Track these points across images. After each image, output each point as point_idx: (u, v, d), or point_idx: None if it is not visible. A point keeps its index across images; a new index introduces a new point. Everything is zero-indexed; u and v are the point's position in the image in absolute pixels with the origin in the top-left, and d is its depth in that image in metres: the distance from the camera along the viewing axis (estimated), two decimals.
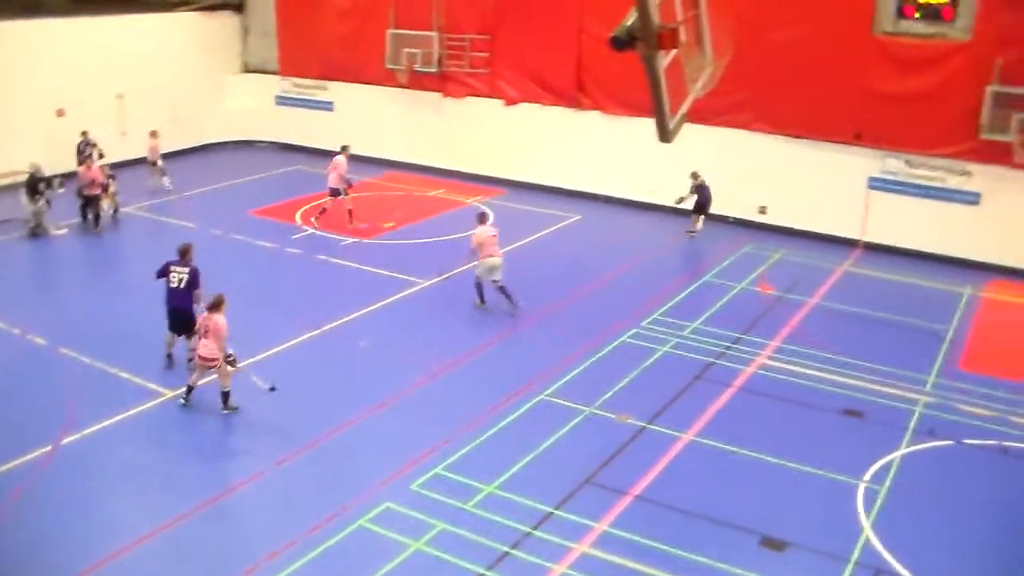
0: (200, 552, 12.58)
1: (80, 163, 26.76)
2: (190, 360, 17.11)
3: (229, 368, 15.89)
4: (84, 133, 28.19)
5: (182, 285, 17.00)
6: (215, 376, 16.02)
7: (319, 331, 19.27)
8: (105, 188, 26.11)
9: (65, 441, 15.16)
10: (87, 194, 25.81)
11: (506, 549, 12.41)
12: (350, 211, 25.99)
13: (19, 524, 13.13)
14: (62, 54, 31.00)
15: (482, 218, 21.28)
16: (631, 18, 10.29)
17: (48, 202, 25.24)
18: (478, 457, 14.61)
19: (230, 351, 15.91)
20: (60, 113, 31.01)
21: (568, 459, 14.59)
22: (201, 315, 16.06)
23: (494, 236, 20.64)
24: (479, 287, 20.77)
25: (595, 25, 27.83)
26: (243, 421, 16.02)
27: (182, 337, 17.48)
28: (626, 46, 10.31)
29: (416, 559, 12.29)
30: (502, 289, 20.48)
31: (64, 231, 25.41)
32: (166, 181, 29.53)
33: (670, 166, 26.12)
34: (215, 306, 15.72)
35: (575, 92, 29.30)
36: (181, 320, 17.22)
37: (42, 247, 24.78)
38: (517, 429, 15.51)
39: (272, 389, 15.94)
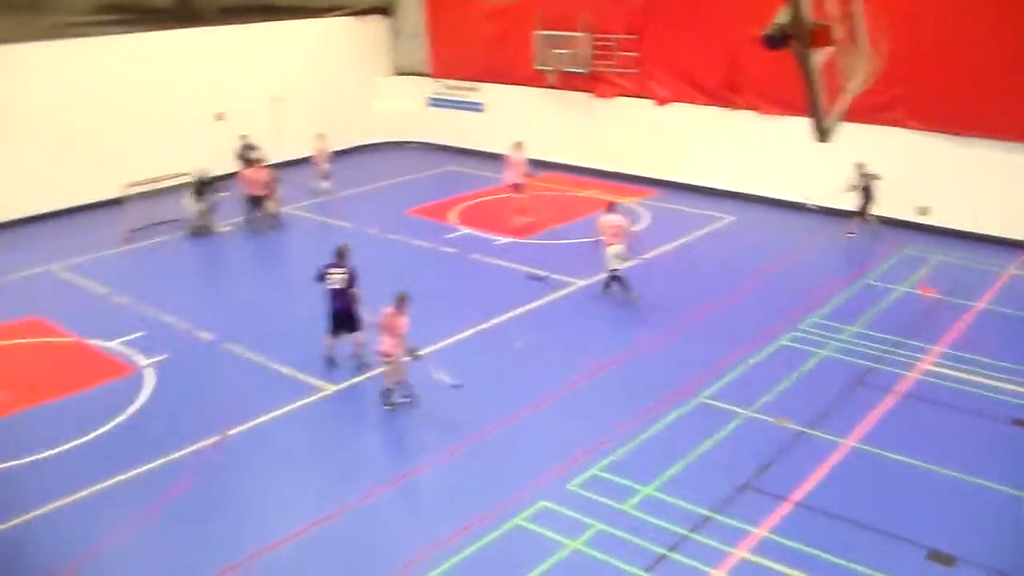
0: (358, 545, 12.90)
1: (246, 166, 27.77)
2: (357, 356, 17.73)
3: (404, 360, 16.27)
4: (243, 136, 29.16)
5: (340, 285, 17.41)
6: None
7: (474, 330, 19.51)
8: (271, 190, 26.95)
9: (231, 432, 15.76)
10: (252, 195, 26.72)
11: (663, 551, 12.37)
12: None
13: (184, 512, 13.70)
14: (219, 61, 32.28)
15: (610, 207, 21.32)
16: (784, 16, 10.16)
17: (213, 204, 26.23)
18: (635, 458, 14.59)
19: (416, 347, 16.25)
20: (219, 117, 32.14)
21: (726, 462, 14.45)
22: (383, 311, 16.18)
23: (618, 225, 20.82)
24: (611, 279, 21.19)
25: (747, 23, 27.40)
26: (400, 417, 16.36)
27: (340, 337, 17.88)
28: (779, 44, 10.19)
29: (572, 559, 12.34)
30: (619, 278, 20.90)
31: (229, 228, 26.34)
32: (325, 185, 30.23)
33: (826, 165, 25.58)
34: (399, 303, 15.99)
35: (727, 91, 28.91)
36: (344, 320, 17.64)
37: (207, 246, 25.79)
38: (674, 431, 15.42)
39: (457, 386, 16.09)
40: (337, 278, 17.46)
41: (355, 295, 17.53)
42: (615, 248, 20.76)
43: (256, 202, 26.91)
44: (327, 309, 17.71)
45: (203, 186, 26.44)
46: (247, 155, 28.53)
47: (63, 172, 28.46)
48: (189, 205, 26.51)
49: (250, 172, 26.94)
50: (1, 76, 27.43)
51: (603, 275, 21.34)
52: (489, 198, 29.72)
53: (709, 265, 23.59)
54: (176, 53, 31.32)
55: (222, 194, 26.81)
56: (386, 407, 16.38)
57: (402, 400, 16.43)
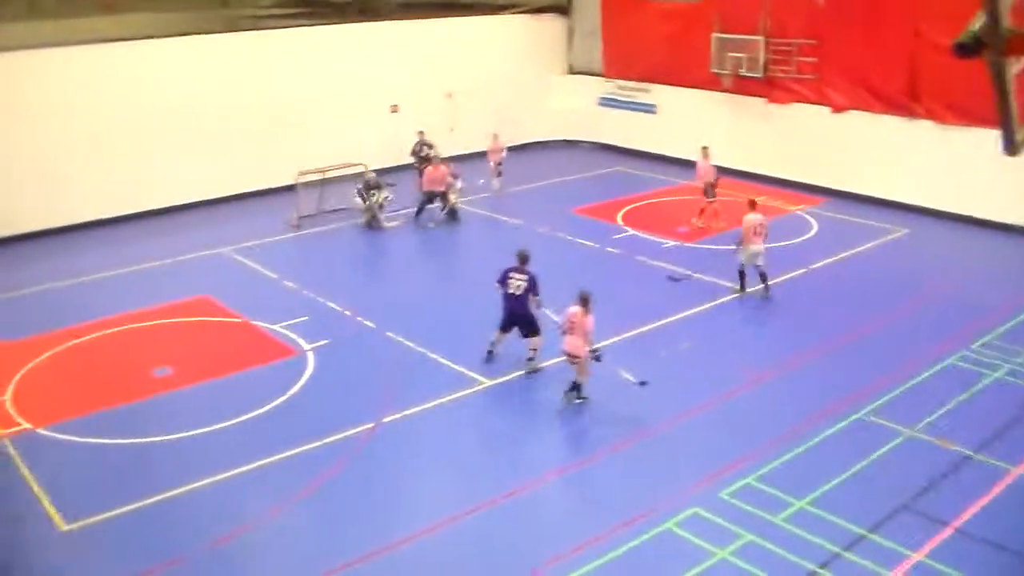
0: (504, 539, 13.03)
1: (419, 163, 28.51)
2: (531, 360, 17.77)
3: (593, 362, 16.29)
4: (420, 133, 29.67)
5: (520, 291, 17.47)
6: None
7: (637, 332, 19.46)
8: (450, 185, 27.41)
9: (386, 420, 16.10)
10: (430, 191, 27.22)
11: (814, 568, 12.09)
12: (702, 209, 26.54)
13: (335, 495, 14.06)
14: (396, 55, 32.92)
15: (752, 205, 21.45)
16: (978, 22, 9.75)
17: (380, 204, 26.84)
18: (791, 471, 14.31)
19: (597, 346, 16.30)
20: (394, 109, 32.89)
21: (884, 482, 14.01)
22: (569, 312, 16.22)
23: (761, 224, 20.86)
24: (741, 275, 21.25)
25: (932, 29, 26.50)
26: (554, 417, 16.46)
27: (508, 333, 17.99)
28: (972, 52, 9.78)
29: (720, 568, 12.19)
30: (763, 276, 21.16)
31: (396, 224, 26.88)
32: (495, 183, 30.52)
33: (1012, 180, 24.52)
34: (584, 303, 16.05)
35: (907, 100, 28.02)
36: (520, 323, 17.72)
37: (375, 236, 26.37)
38: (832, 445, 15.05)
39: (643, 383, 16.15)
40: (518, 283, 17.55)
41: (537, 302, 17.60)
42: (757, 247, 20.87)
43: (433, 198, 27.38)
44: (503, 310, 17.83)
45: (369, 188, 27.05)
46: (423, 152, 29.03)
47: (240, 158, 29.64)
48: (357, 206, 27.20)
49: (429, 170, 27.37)
50: (187, 64, 28.66)
51: (750, 276, 21.38)
52: (657, 200, 29.62)
53: (878, 278, 22.88)
54: (353, 46, 32.22)
55: (389, 196, 27.28)
56: (578, 400, 16.44)
57: (579, 400, 16.46)
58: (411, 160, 29.68)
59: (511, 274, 17.65)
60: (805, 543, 12.56)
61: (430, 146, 29.36)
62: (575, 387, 16.46)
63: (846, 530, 12.83)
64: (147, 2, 33.68)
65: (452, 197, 27.47)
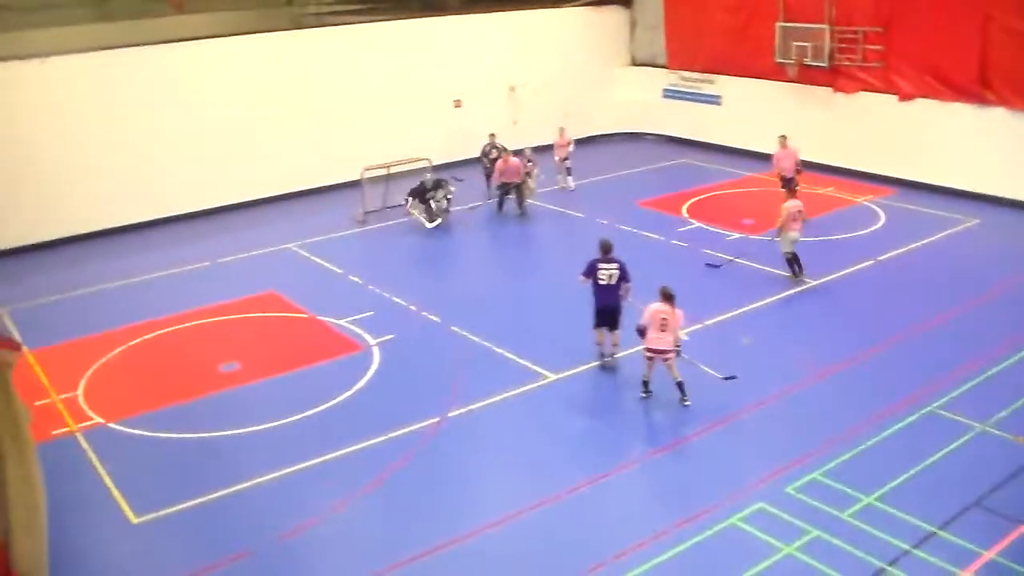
0: (567, 534, 12.97)
1: (488, 165, 28.56)
2: (612, 356, 17.63)
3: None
4: (492, 136, 29.50)
5: (612, 281, 17.18)
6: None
7: (701, 325, 19.33)
8: (528, 174, 27.44)
9: (451, 414, 16.16)
10: (506, 182, 27.24)
11: (883, 565, 11.91)
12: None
13: (401, 489, 14.15)
14: (459, 49, 33.03)
15: (792, 193, 22.07)
16: None
17: (442, 205, 26.75)
18: (858, 465, 14.10)
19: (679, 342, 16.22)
20: (457, 104, 32.96)
21: (956, 478, 13.74)
22: (657, 308, 15.89)
23: (800, 211, 21.07)
24: (790, 262, 21.45)
25: (1005, 14, 26.04)
26: (621, 410, 16.44)
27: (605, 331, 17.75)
28: None
29: (786, 564, 12.06)
30: (795, 257, 21.48)
31: (439, 222, 26.65)
32: (565, 180, 30.24)
33: None
34: (669, 298, 15.90)
35: (978, 87, 27.45)
36: (612, 316, 17.43)
37: (439, 232, 26.37)
38: (902, 440, 14.81)
39: (731, 377, 16.15)
40: (610, 273, 17.25)
41: (627, 289, 17.33)
42: (794, 234, 21.22)
43: (508, 189, 27.40)
44: (594, 304, 17.57)
45: (426, 192, 26.74)
46: (492, 155, 28.77)
47: (306, 154, 29.94)
48: (412, 210, 26.95)
49: (500, 164, 27.37)
50: (253, 62, 28.98)
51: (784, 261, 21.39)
52: (722, 192, 29.39)
53: (949, 269, 22.48)
54: (417, 41, 32.37)
55: (448, 194, 27.03)
56: (685, 402, 16.18)
57: (684, 403, 16.21)
58: (479, 159, 29.61)
59: (599, 265, 17.30)
60: (873, 539, 12.38)
61: (501, 148, 28.89)
62: (681, 387, 16.20)
63: (915, 527, 12.61)
64: (214, 1, 34.12)
65: (531, 184, 27.68)
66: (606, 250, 17.41)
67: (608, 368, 17.61)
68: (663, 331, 15.81)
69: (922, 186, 28.60)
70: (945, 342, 18.41)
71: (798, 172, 26.07)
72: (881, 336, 18.78)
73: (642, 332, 16.09)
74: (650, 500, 13.86)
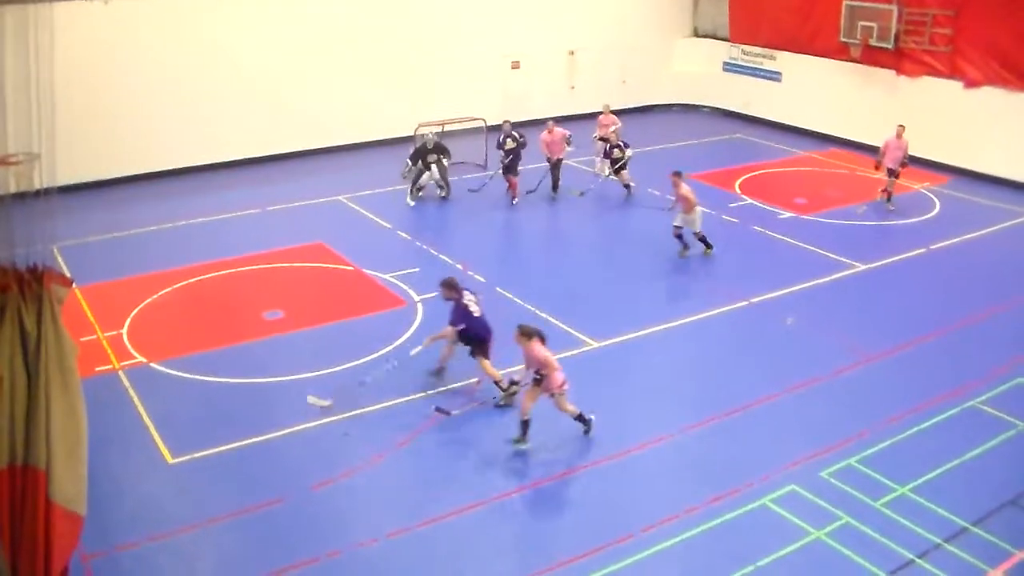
0: (600, 503, 13.02)
1: (504, 158, 25.41)
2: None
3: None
4: (506, 122, 26.15)
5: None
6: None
7: (747, 302, 19.21)
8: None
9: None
10: (550, 157, 25.85)
11: (912, 557, 11.83)
12: (888, 192, 25.30)
13: (432, 447, 14.28)
14: (520, 10, 32.79)
15: (678, 175, 21.62)
16: None
17: (428, 169, 25.53)
18: (895, 455, 13.99)
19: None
20: (515, 65, 32.78)
21: (993, 474, 13.60)
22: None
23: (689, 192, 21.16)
24: (679, 237, 21.54)
25: None
26: (653, 385, 16.39)
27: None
28: None
29: (814, 547, 12.02)
30: (703, 239, 21.61)
31: (441, 194, 25.87)
32: (603, 166, 27.20)
33: None
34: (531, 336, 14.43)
35: None
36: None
37: (489, 193, 26.21)
38: (941, 432, 14.66)
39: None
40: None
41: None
42: (694, 214, 21.24)
43: (557, 165, 25.88)
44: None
45: (427, 153, 25.47)
46: (507, 145, 25.34)
47: (361, 107, 29.93)
48: (405, 175, 26.07)
49: (545, 136, 25.78)
50: (312, 12, 29.01)
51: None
52: (777, 170, 29.11)
53: (1002, 262, 22.14)
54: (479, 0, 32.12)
55: (447, 160, 25.90)
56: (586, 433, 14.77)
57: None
58: (499, 148, 25.76)
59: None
60: (904, 530, 12.30)
61: (515, 138, 25.29)
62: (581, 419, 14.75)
63: (948, 521, 12.50)
64: None
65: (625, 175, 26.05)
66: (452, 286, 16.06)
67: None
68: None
69: (980, 176, 28.11)
70: (993, 337, 18.16)
71: (903, 166, 25.10)
72: (929, 326, 18.57)
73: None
74: (683, 475, 13.79)
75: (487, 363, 15.71)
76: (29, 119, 8.26)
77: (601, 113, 27.90)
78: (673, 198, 21.72)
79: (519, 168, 25.26)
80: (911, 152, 25.18)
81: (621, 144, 25.90)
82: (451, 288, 15.86)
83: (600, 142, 27.25)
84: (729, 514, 12.60)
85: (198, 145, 27.45)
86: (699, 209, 21.26)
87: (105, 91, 25.35)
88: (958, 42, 28.91)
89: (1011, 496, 13.08)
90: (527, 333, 14.34)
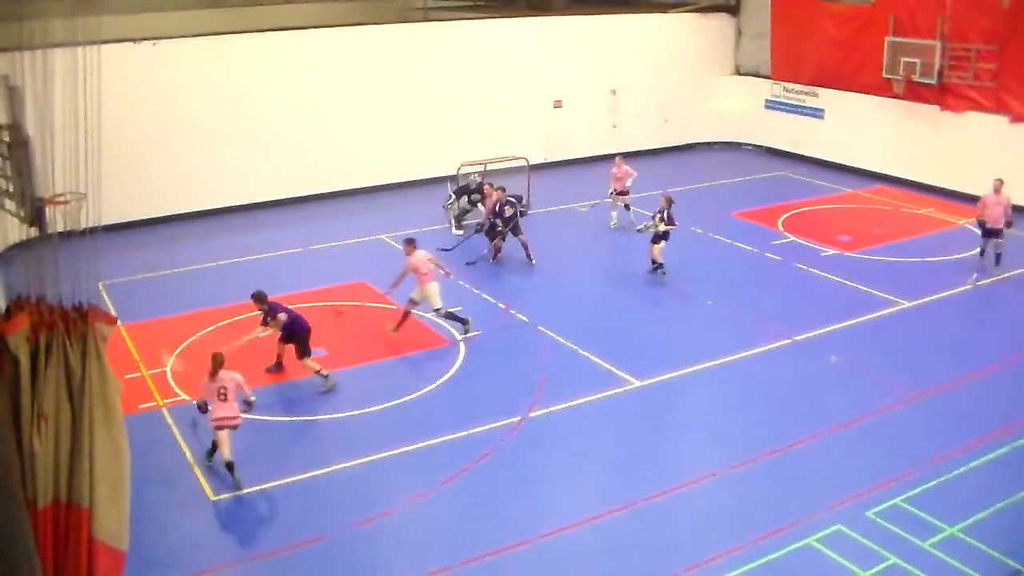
0: (642, 543, 12.91)
1: (502, 226, 23.95)
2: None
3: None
4: (501, 191, 24.11)
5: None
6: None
7: (790, 340, 19.07)
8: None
9: (532, 414, 16.16)
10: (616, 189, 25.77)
11: None
12: (997, 254, 23.10)
13: (475, 487, 14.19)
14: (561, 50, 32.98)
15: (411, 243, 19.45)
16: None
17: (473, 207, 26.22)
18: (944, 495, 13.77)
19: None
20: (557, 105, 32.91)
21: None
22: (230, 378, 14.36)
23: (432, 260, 19.45)
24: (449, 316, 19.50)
25: None
26: (696, 424, 16.37)
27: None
28: None
29: None
30: (452, 315, 19.49)
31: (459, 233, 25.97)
32: (624, 212, 26.40)
33: None
34: (220, 365, 14.24)
35: None
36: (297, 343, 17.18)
37: (533, 232, 26.22)
38: (991, 472, 14.41)
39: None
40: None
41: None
42: (432, 286, 19.12)
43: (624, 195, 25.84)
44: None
45: (470, 192, 26.33)
46: (505, 213, 23.74)
47: (404, 147, 30.09)
48: (449, 207, 26.56)
49: (614, 171, 25.79)
50: (358, 53, 29.28)
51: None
52: (820, 208, 28.94)
53: None
54: (520, 40, 32.38)
55: (478, 202, 26.14)
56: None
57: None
58: (491, 218, 24.20)
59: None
60: (954, 572, 12.09)
61: (513, 204, 23.95)
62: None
63: (999, 562, 12.29)
64: None
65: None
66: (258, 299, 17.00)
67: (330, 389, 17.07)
68: (224, 400, 14.24)
69: None
70: None
71: (1008, 224, 22.76)
72: (975, 364, 18.33)
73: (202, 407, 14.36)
74: (727, 514, 13.65)
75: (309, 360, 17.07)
76: (76, 159, 8.37)
77: (614, 165, 26.36)
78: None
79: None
80: (957, 188, 24.62)
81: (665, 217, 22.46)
82: (260, 300, 16.81)
83: (619, 196, 26.11)
84: (774, 553, 12.45)
85: (242, 185, 27.73)
86: (434, 285, 19.15)
87: (151, 132, 25.69)
88: (1002, 76, 28.70)
89: None
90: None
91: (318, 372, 17.09)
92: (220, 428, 14.13)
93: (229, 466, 14.04)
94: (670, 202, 22.19)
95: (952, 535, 12.83)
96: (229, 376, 14.21)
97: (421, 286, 19.12)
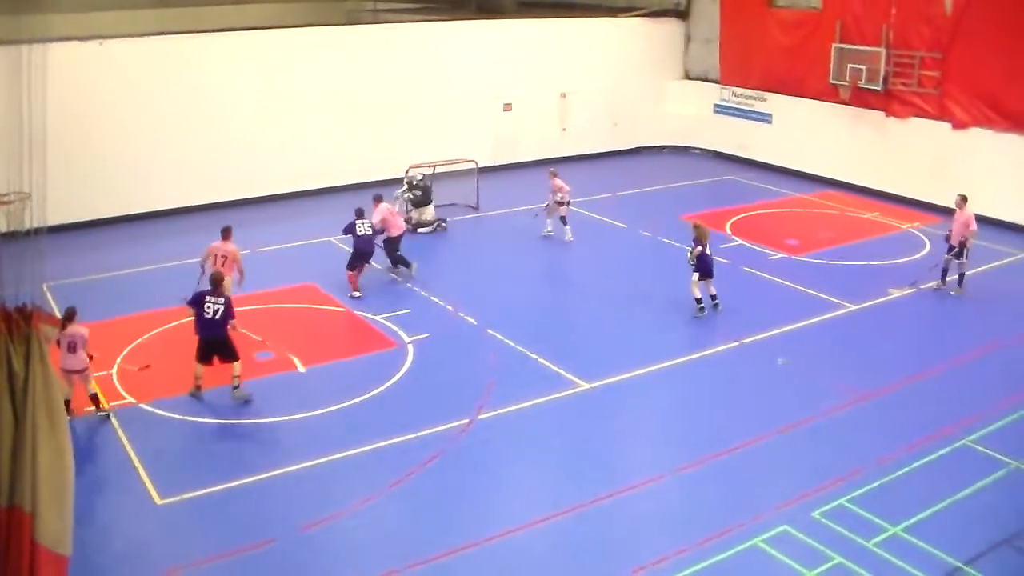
0: (590, 544, 12.93)
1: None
2: (236, 388, 16.69)
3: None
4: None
5: (217, 316, 16.44)
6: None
7: (737, 343, 19.23)
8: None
9: (481, 416, 16.17)
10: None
11: None
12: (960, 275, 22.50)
13: (424, 489, 14.16)
14: (511, 53, 33.05)
15: (225, 233, 19.72)
16: None
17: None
18: (887, 495, 13.95)
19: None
20: (507, 108, 32.98)
21: (986, 513, 13.56)
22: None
23: (231, 252, 19.43)
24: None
25: None
26: (643, 426, 16.51)
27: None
28: None
29: None
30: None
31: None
32: (552, 227, 26.03)
33: None
34: (70, 318, 15.52)
35: None
36: (220, 347, 16.65)
37: (482, 234, 26.39)
38: (933, 472, 14.62)
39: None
40: (215, 308, 16.50)
41: (232, 325, 16.66)
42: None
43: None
44: (200, 336, 16.76)
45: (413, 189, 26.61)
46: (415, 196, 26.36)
47: (351, 149, 29.96)
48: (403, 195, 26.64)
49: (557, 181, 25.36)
50: (307, 55, 29.15)
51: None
52: (768, 211, 29.20)
53: (992, 302, 22.14)
54: (470, 43, 32.36)
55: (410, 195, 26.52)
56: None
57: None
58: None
59: (208, 297, 16.58)
60: (897, 570, 12.24)
61: (416, 189, 26.35)
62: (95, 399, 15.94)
63: (941, 560, 12.46)
64: None
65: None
66: (215, 283, 16.94)
67: (239, 399, 16.72)
68: (72, 352, 15.40)
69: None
70: (984, 376, 18.17)
71: (962, 243, 21.99)
72: (919, 365, 18.62)
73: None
74: (675, 515, 13.76)
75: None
76: (20, 159, 8.27)
77: (555, 176, 25.61)
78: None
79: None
80: (903, 192, 24.75)
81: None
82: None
83: (558, 206, 25.42)
84: (721, 555, 12.53)
85: (188, 186, 27.48)
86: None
87: (96, 132, 25.40)
88: (945, 84, 29.12)
89: (1005, 535, 13.03)
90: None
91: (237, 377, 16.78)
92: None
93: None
94: (697, 229, 20.78)
95: (895, 534, 12.99)
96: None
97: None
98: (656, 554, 12.53)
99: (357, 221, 21.56)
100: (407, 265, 22.75)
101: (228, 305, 16.62)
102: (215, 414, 16.16)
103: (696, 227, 20.83)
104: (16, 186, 8.45)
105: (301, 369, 16.60)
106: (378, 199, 22.73)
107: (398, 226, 22.77)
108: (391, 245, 22.71)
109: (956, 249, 22.11)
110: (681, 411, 16.89)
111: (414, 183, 26.55)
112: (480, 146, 30.91)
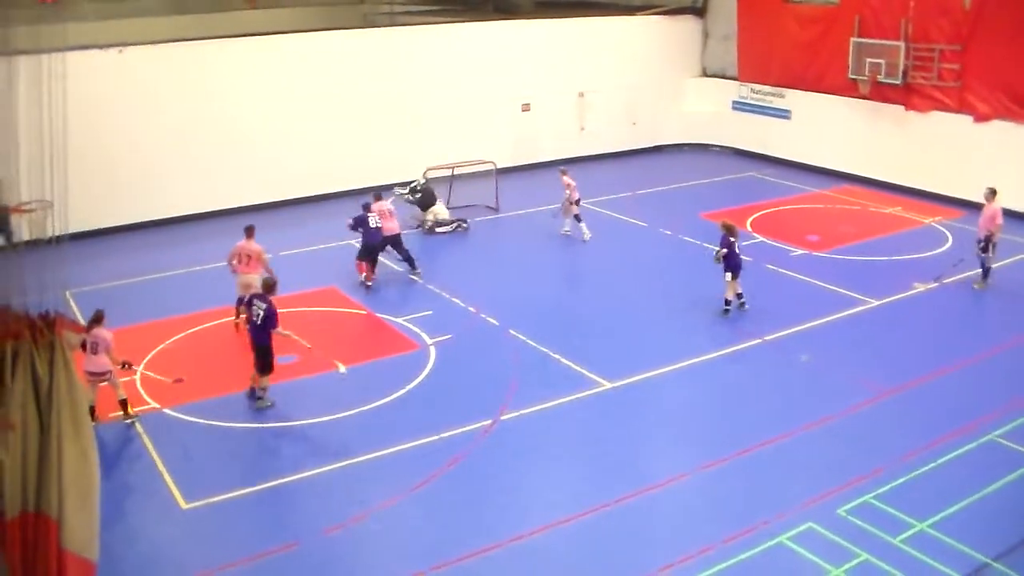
0: (614, 544, 12.90)
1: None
2: (259, 399, 16.73)
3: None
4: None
5: (258, 321, 16.42)
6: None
7: (760, 340, 19.17)
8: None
9: (504, 417, 16.17)
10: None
11: None
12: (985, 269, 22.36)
13: (447, 491, 14.17)
14: (529, 53, 33.03)
15: (249, 232, 19.91)
16: None
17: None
18: (913, 491, 13.86)
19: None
20: (525, 108, 32.95)
21: (1013, 508, 13.47)
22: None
23: (256, 251, 19.63)
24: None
25: None
26: (667, 425, 16.40)
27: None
28: None
29: None
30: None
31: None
32: (570, 226, 26.10)
33: None
34: (97, 321, 15.65)
35: None
36: (256, 354, 16.65)
37: (502, 235, 26.37)
38: (959, 467, 14.52)
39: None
40: (257, 311, 16.55)
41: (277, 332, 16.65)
42: (247, 277, 19.23)
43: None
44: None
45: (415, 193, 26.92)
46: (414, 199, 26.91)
47: (371, 151, 30.02)
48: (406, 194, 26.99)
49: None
50: (324, 59, 29.21)
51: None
52: (788, 208, 29.10)
53: (1015, 294, 22.06)
54: (488, 44, 32.43)
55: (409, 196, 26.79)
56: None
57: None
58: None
59: (255, 300, 16.71)
60: (924, 567, 12.17)
61: (416, 192, 26.99)
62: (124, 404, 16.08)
63: (969, 556, 12.37)
64: None
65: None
66: (267, 288, 16.93)
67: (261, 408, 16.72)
68: (95, 354, 15.44)
69: None
70: (1009, 370, 18.07)
71: (988, 237, 21.84)
72: (944, 360, 18.49)
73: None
74: (699, 513, 13.72)
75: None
76: (42, 167, 8.31)
77: (564, 174, 25.62)
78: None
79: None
80: (924, 187, 24.61)
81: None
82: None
83: (571, 205, 25.44)
84: (746, 552, 12.49)
85: (208, 192, 27.61)
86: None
87: (115, 139, 25.54)
88: (966, 77, 28.96)
89: None
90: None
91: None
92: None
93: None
94: (726, 227, 20.56)
95: (922, 531, 12.92)
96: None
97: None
98: (681, 553, 12.49)
99: (368, 214, 22.19)
100: (411, 264, 23.22)
101: (271, 311, 16.35)
102: (238, 418, 16.21)
103: (725, 225, 20.66)
104: (38, 195, 8.49)
105: (342, 370, 16.53)
106: (377, 197, 23.22)
107: (391, 227, 22.83)
108: (389, 244, 22.93)
109: (982, 243, 21.95)
110: (704, 409, 16.86)
111: (416, 188, 26.80)
112: (499, 147, 30.92)
